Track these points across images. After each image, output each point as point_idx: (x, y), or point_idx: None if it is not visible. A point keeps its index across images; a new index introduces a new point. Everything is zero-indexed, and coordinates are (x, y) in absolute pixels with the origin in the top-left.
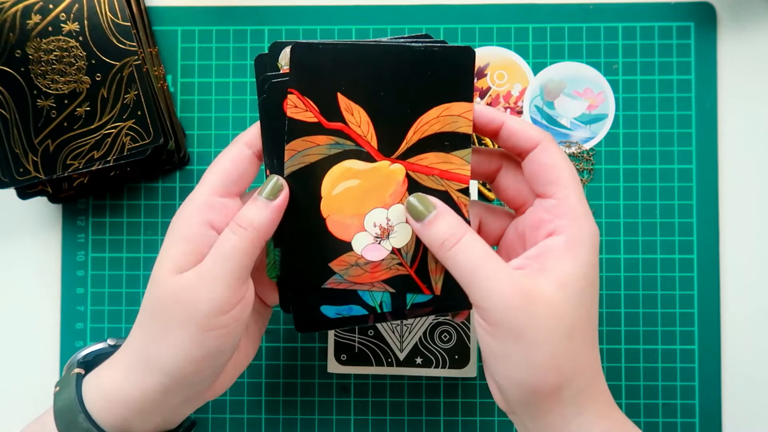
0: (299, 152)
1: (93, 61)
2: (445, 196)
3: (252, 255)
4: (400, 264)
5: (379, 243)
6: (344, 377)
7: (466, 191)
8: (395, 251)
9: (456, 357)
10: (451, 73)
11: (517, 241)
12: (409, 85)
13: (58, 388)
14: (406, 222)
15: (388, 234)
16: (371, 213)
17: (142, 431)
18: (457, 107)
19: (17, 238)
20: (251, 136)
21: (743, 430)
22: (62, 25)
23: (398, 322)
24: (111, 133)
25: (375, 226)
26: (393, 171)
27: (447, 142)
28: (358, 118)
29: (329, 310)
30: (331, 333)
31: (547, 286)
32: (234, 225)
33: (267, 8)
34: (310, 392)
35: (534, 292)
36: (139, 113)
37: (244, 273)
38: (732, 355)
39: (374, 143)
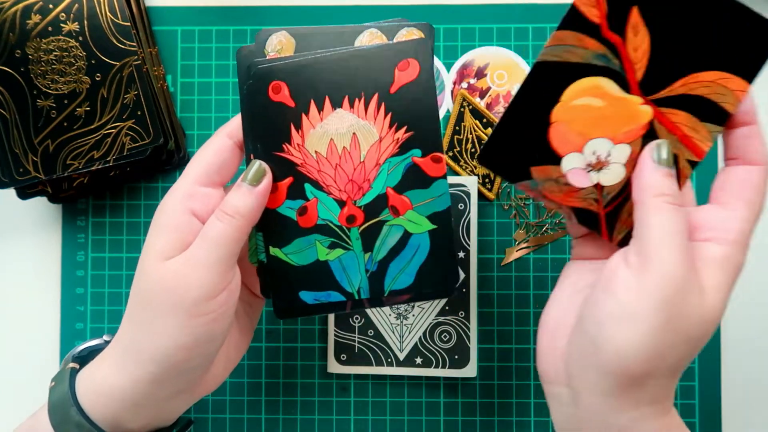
0: (564, 45)
1: (93, 61)
2: (673, 160)
3: (238, 241)
4: (596, 200)
5: (588, 172)
6: (344, 377)
7: (694, 164)
8: (598, 186)
9: (456, 357)
10: (751, 46)
11: None
12: (707, 38)
13: (53, 383)
14: (629, 163)
15: (601, 168)
16: (597, 140)
17: (134, 425)
18: (735, 82)
19: (17, 238)
20: (232, 127)
21: (743, 430)
22: (62, 25)
23: (398, 321)
24: (111, 133)
25: (594, 154)
26: (641, 111)
27: (706, 109)
28: (639, 42)
29: (308, 296)
30: (331, 333)
31: (698, 288)
32: (220, 212)
33: (267, 8)
34: (310, 392)
35: (692, 288)
36: (139, 113)
37: (230, 259)
38: (732, 356)
39: (639, 75)
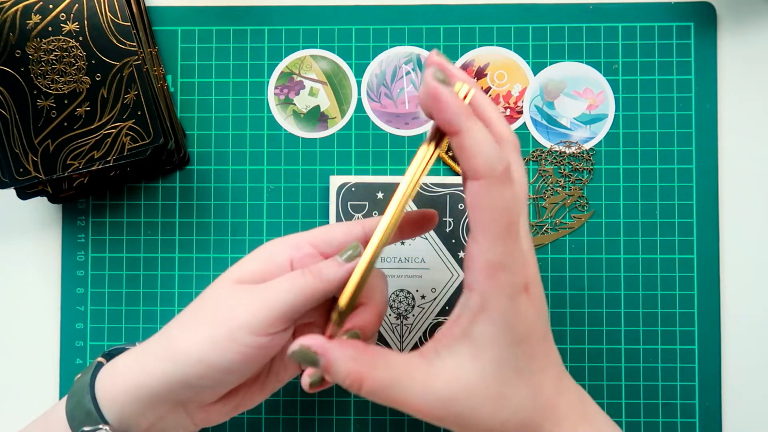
0: None
1: (93, 61)
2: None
3: (307, 300)
4: None
5: None
6: None
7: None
8: None
9: None
10: None
11: None
12: None
13: (79, 376)
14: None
15: None
16: None
17: (136, 426)
18: None
19: (17, 238)
20: (371, 222)
21: (743, 430)
22: (62, 25)
23: (398, 321)
24: (111, 133)
25: None
26: None
27: None
28: None
29: None
30: None
31: (457, 374)
32: (306, 270)
33: (267, 8)
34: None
35: (453, 397)
36: (139, 113)
37: (290, 312)
38: (732, 355)
39: None
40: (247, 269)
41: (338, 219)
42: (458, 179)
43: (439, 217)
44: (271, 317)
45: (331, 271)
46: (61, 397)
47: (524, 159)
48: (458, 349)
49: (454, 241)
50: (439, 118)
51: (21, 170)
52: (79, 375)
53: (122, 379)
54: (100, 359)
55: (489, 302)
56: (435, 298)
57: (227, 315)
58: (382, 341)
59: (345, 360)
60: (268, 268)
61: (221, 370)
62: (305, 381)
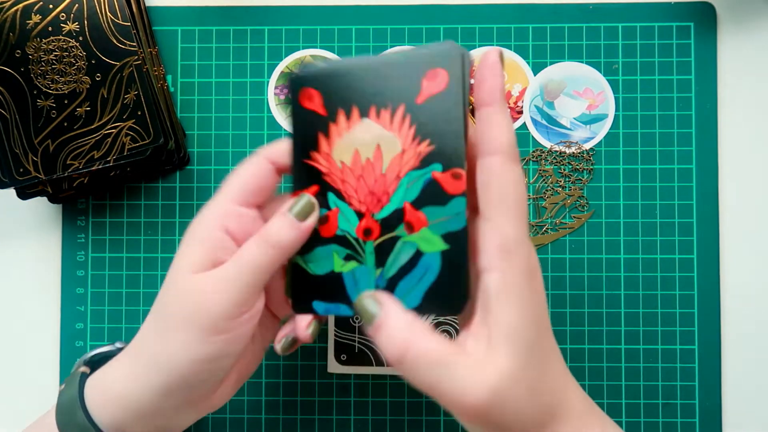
0: None
1: (93, 61)
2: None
3: (272, 271)
4: None
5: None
6: (344, 377)
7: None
8: None
9: None
10: None
11: None
12: None
13: (63, 386)
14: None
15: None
16: None
17: None
18: None
19: (17, 238)
20: (273, 151)
21: (743, 430)
22: (62, 25)
23: None
24: (111, 133)
25: None
26: None
27: None
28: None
29: (320, 306)
30: (331, 333)
31: (502, 363)
32: (260, 240)
33: (267, 8)
34: (310, 392)
35: (498, 385)
36: (139, 113)
37: (259, 286)
38: (732, 355)
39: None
40: (195, 259)
41: None
42: None
43: None
44: (243, 298)
45: (289, 236)
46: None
47: (524, 159)
48: (494, 337)
49: None
50: (487, 85)
51: (21, 170)
52: (62, 386)
53: (117, 395)
54: (83, 369)
55: (509, 281)
56: None
57: (198, 313)
58: None
59: (400, 322)
60: (211, 247)
61: (216, 361)
62: (277, 347)
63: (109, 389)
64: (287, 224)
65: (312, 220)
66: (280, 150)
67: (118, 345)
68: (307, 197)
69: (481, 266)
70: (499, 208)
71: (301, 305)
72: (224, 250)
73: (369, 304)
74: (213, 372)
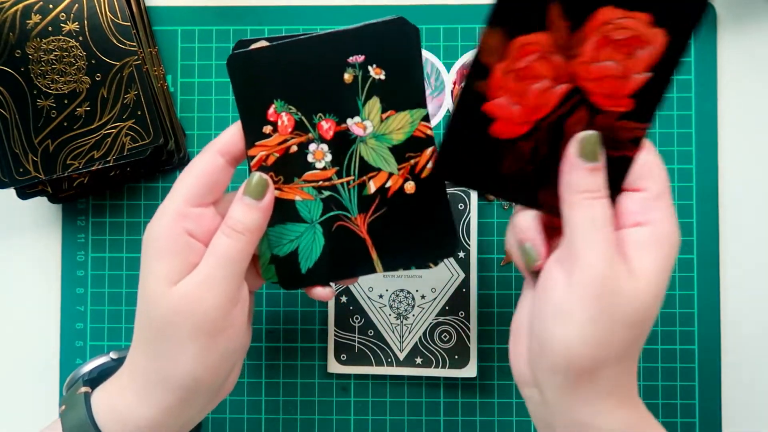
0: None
1: (93, 61)
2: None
3: (249, 255)
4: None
5: None
6: (344, 377)
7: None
8: None
9: (456, 357)
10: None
11: None
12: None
13: (64, 407)
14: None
15: None
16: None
17: None
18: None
19: (17, 238)
20: (222, 143)
21: (743, 430)
22: (62, 25)
23: (398, 321)
24: (111, 133)
25: None
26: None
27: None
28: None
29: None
30: (331, 333)
31: (628, 275)
32: (228, 229)
33: (267, 8)
34: (310, 392)
35: (620, 276)
36: (139, 113)
37: (241, 274)
38: (732, 355)
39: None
40: (169, 271)
41: None
42: None
43: None
44: (231, 291)
45: (253, 218)
46: (61, 397)
47: None
48: (627, 268)
49: None
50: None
51: (21, 170)
52: (63, 407)
53: (135, 422)
54: (84, 389)
55: (662, 238)
56: (435, 298)
57: (194, 322)
58: (381, 341)
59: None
60: (181, 255)
61: (226, 358)
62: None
63: (124, 416)
64: (248, 207)
65: (270, 195)
66: (229, 139)
67: (112, 356)
68: (257, 175)
69: (625, 223)
70: (654, 181)
71: (289, 284)
72: (194, 254)
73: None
74: (227, 368)
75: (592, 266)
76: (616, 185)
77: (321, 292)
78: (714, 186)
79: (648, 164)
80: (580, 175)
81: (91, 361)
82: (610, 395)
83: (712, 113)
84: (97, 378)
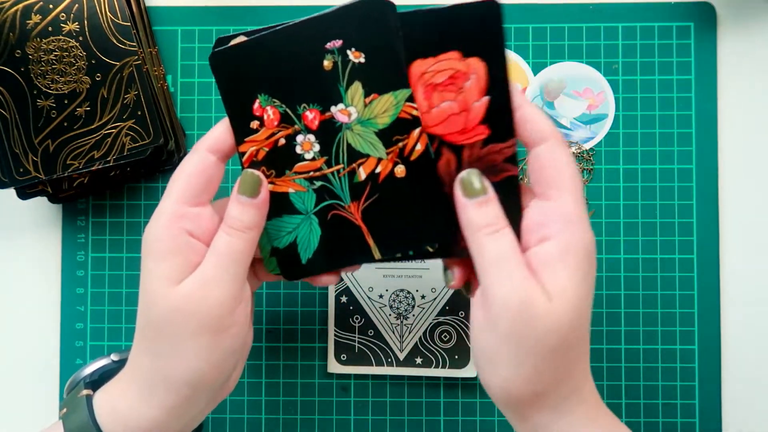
0: None
1: (93, 61)
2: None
3: (251, 253)
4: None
5: None
6: (344, 377)
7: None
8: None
9: (456, 357)
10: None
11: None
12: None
13: (65, 410)
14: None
15: None
16: None
17: None
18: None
19: (17, 238)
20: (211, 140)
21: (743, 430)
22: (62, 25)
23: (398, 321)
24: (111, 133)
25: None
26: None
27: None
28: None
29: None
30: (331, 333)
31: (544, 298)
32: (228, 228)
33: (267, 8)
34: (310, 392)
35: (534, 303)
36: (139, 113)
37: (245, 272)
38: (732, 355)
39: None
40: (171, 272)
41: None
42: None
43: None
44: (235, 289)
45: (250, 216)
46: (61, 397)
47: (524, 159)
48: (542, 290)
49: None
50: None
51: (21, 170)
52: (64, 410)
53: (138, 423)
54: (86, 392)
55: (570, 249)
56: (435, 298)
57: (198, 320)
58: (381, 341)
59: (499, 204)
60: (181, 255)
61: (230, 356)
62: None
63: (127, 418)
64: (244, 205)
65: (264, 191)
66: (218, 136)
67: (113, 358)
68: (249, 172)
69: (531, 241)
70: (556, 186)
71: (292, 274)
72: (195, 253)
73: (481, 181)
74: (231, 366)
75: (504, 301)
76: (515, 206)
77: (326, 279)
78: (714, 186)
79: (552, 168)
80: (473, 213)
81: (92, 363)
82: (568, 413)
83: (712, 113)
84: (98, 380)
